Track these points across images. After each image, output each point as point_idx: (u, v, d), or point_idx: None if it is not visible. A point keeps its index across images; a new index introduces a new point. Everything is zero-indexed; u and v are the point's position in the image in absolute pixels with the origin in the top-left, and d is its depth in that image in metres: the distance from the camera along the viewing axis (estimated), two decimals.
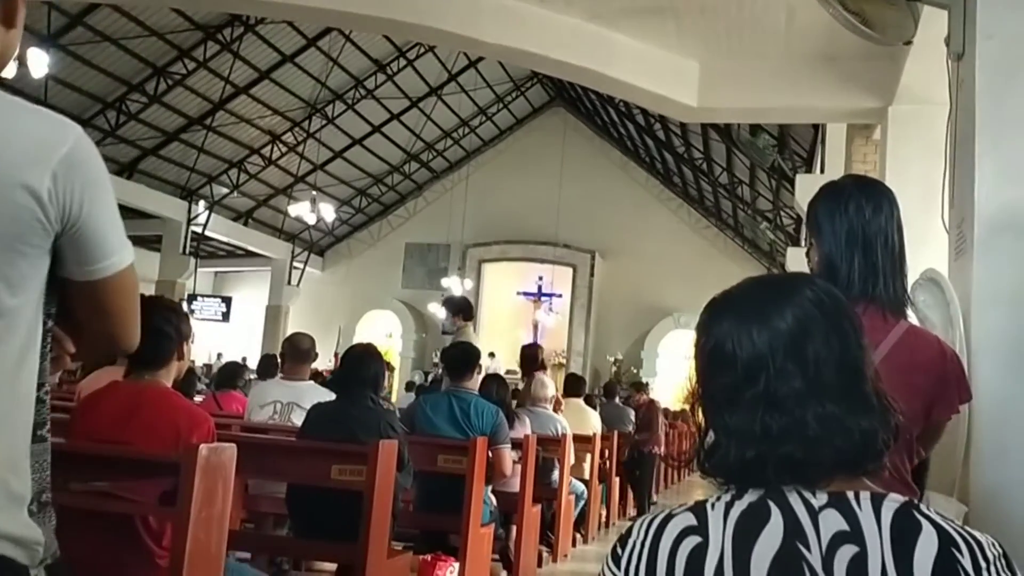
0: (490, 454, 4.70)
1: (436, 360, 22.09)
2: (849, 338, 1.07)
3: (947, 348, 1.96)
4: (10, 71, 11.53)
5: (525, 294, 22.82)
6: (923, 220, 5.99)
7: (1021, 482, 2.63)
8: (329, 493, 3.60)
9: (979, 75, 2.93)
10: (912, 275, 3.33)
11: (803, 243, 14.60)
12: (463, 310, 7.40)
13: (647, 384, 14.36)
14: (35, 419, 1.28)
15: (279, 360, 7.71)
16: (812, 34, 6.00)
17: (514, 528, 5.44)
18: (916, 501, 1.01)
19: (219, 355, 22.76)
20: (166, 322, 2.74)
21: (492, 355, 21.06)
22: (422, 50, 18.32)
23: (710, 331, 1.10)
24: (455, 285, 21.23)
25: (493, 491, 5.09)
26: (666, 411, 16.41)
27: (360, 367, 3.93)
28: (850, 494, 0.99)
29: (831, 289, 1.11)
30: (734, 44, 6.43)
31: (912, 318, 2.08)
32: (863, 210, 1.96)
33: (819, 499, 0.99)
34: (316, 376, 5.88)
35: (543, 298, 22.63)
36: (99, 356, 1.37)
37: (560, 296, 22.45)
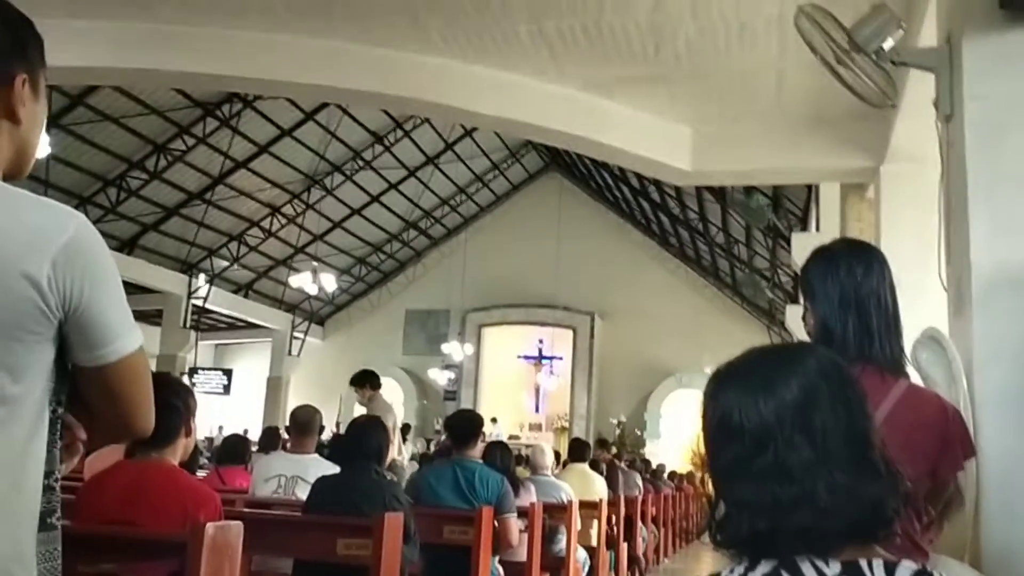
0: (496, 524, 4.65)
1: (438, 428, 21.98)
2: (855, 407, 1.08)
3: (948, 405, 1.97)
4: None
5: (526, 357, 22.78)
6: (920, 276, 6.01)
7: None
8: (336, 568, 3.56)
9: (968, 136, 2.98)
10: (912, 332, 3.37)
11: (800, 303, 14.64)
12: (368, 380, 7.54)
13: (610, 442, 14.13)
14: (44, 507, 1.27)
15: (283, 432, 7.70)
16: (802, 96, 6.11)
17: None
18: (929, 568, 1.01)
19: (220, 428, 22.63)
20: (175, 395, 2.75)
21: (494, 420, 20.99)
22: (419, 121, 18.58)
23: (716, 402, 1.12)
24: (455, 351, 21.19)
25: (500, 561, 5.03)
26: (672, 473, 16.33)
27: (363, 439, 3.92)
28: (863, 562, 1.00)
29: (835, 358, 1.13)
30: (726, 108, 6.53)
31: (912, 376, 2.10)
32: (855, 272, 1.99)
33: (832, 568, 1.00)
34: (318, 448, 5.85)
35: (544, 361, 22.58)
36: (113, 441, 1.37)
37: (561, 359, 22.39)
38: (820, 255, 2.10)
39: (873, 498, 1.03)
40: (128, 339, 1.32)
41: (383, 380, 24.66)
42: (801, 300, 2.16)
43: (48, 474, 1.28)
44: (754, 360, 1.14)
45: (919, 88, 4.16)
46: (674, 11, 5.30)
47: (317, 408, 5.31)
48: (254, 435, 15.84)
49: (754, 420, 1.06)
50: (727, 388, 1.11)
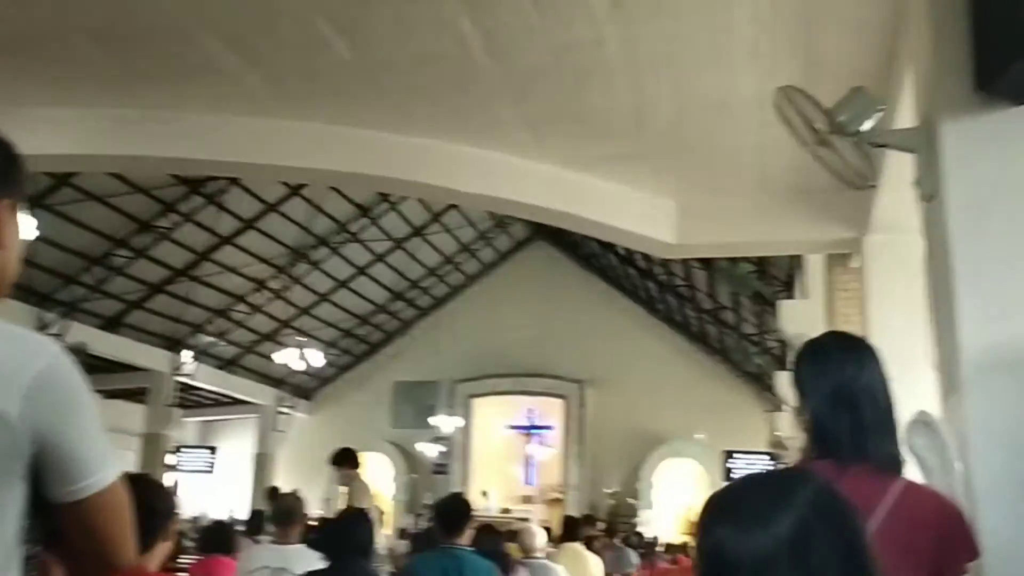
0: None
1: (427, 502, 21.66)
2: (853, 542, 1.04)
3: (948, 504, 1.91)
4: None
5: (516, 428, 22.55)
6: (910, 344, 6.00)
7: None
8: None
9: (952, 218, 2.97)
10: (904, 401, 3.32)
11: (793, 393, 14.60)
12: (347, 459, 7.46)
13: (597, 518, 13.68)
14: None
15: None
16: (784, 169, 6.16)
17: None
18: None
19: (203, 515, 22.25)
20: (156, 499, 2.66)
21: (485, 494, 20.70)
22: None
23: (710, 535, 1.07)
24: (444, 423, 20.99)
25: None
26: (667, 545, 16.05)
27: (350, 533, 3.82)
28: None
29: (831, 488, 1.08)
30: (709, 182, 6.59)
31: (909, 466, 2.04)
32: (846, 368, 1.95)
33: None
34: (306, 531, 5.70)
35: (534, 431, 22.36)
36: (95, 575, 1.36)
37: (552, 428, 22.18)
38: (811, 350, 2.06)
39: None
40: (104, 473, 1.29)
41: (372, 455, 24.46)
42: (795, 397, 2.11)
43: None
44: (746, 490, 1.10)
45: (900, 160, 4.18)
46: (654, 92, 5.37)
47: (298, 496, 5.21)
48: (240, 512, 15.56)
49: (748, 557, 1.02)
50: (720, 520, 1.07)
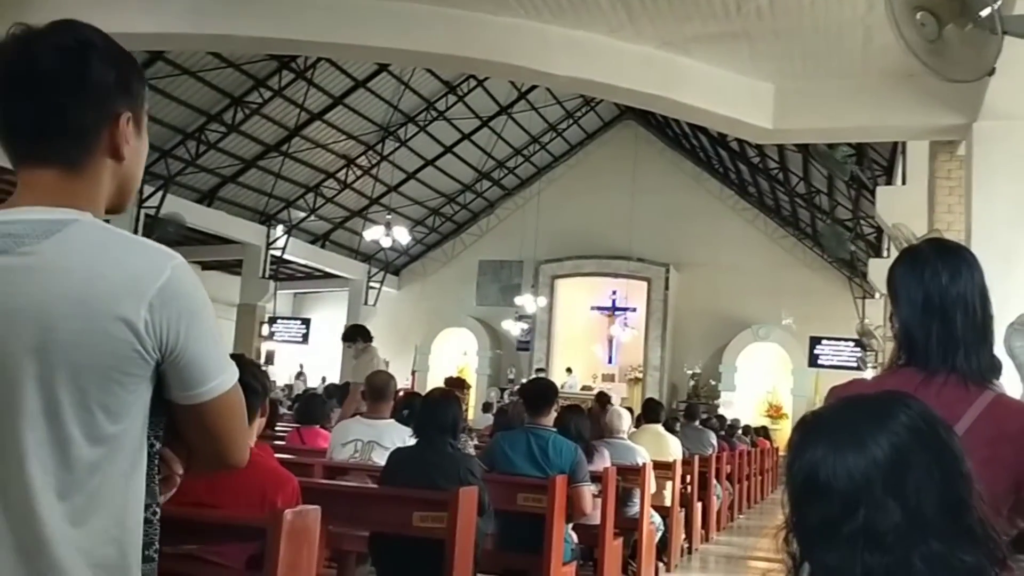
0: (569, 492, 4.67)
1: (511, 376, 22.14)
2: (951, 467, 1.02)
3: None
4: None
5: (599, 309, 22.68)
6: (1013, 238, 5.78)
7: None
8: (412, 540, 3.62)
9: None
10: (1008, 297, 3.22)
11: (887, 253, 14.25)
12: (359, 334, 7.69)
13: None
14: (144, 539, 1.31)
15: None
16: (890, 52, 5.82)
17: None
18: None
19: (300, 375, 23.20)
20: (253, 378, 2.79)
21: (569, 371, 21.06)
22: None
23: (803, 456, 1.07)
24: (528, 302, 21.22)
25: (573, 526, 5.06)
26: (747, 427, 16.20)
27: (438, 413, 3.95)
28: None
29: (928, 412, 1.06)
30: (809, 65, 6.31)
31: (999, 386, 1.98)
32: (939, 276, 1.88)
33: None
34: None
35: (617, 313, 22.46)
36: (208, 471, 1.49)
37: (635, 310, 22.23)
38: (906, 257, 2.00)
39: (970, 567, 0.97)
40: (223, 378, 1.35)
41: (457, 330, 25.00)
42: (879, 298, 2.06)
43: (147, 507, 1.32)
44: (842, 412, 1.09)
45: (1016, 47, 3.93)
46: None
47: (391, 374, 5.38)
48: (333, 380, 16.20)
49: (842, 480, 1.01)
50: (814, 442, 1.06)
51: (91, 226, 1.28)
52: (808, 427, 1.09)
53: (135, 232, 16.40)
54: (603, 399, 8.01)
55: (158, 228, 16.06)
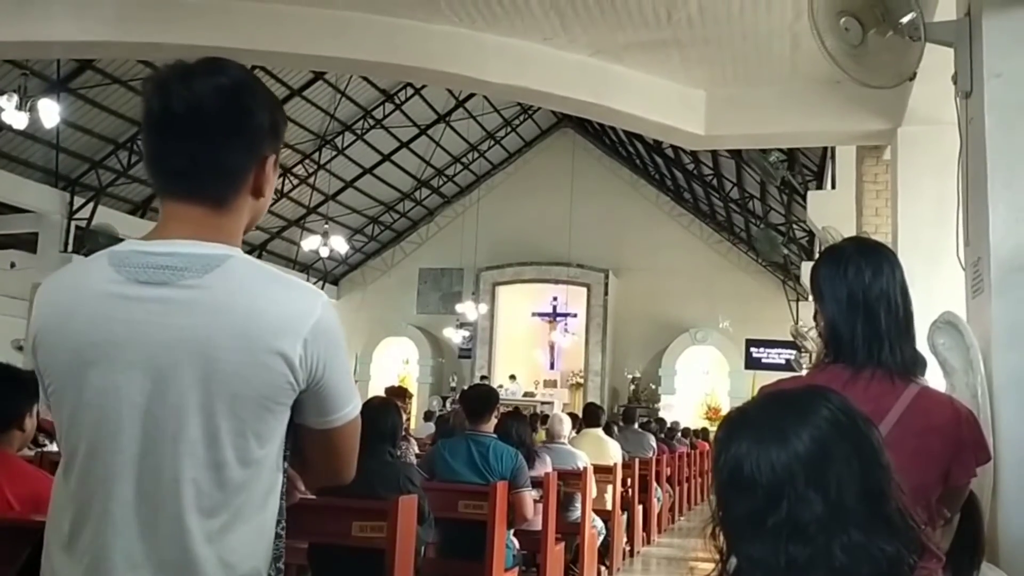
0: (511, 498, 4.68)
1: (453, 385, 22.09)
2: (870, 458, 1.05)
3: (961, 409, 1.92)
4: (22, 121, 11.70)
5: (540, 315, 22.78)
6: (937, 239, 5.93)
7: None
8: (352, 550, 3.59)
9: (988, 113, 2.91)
10: (932, 300, 3.32)
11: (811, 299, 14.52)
12: None
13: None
14: (273, 553, 1.39)
15: None
16: (817, 59, 5.89)
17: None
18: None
19: None
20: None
21: (513, 378, 21.09)
22: None
23: (728, 451, 1.09)
24: (469, 309, 21.22)
25: (515, 532, 5.07)
26: (686, 430, 16.39)
27: (377, 421, 3.92)
28: None
29: (847, 405, 1.09)
30: (740, 72, 6.42)
31: (929, 371, 2.05)
32: (863, 274, 1.94)
33: None
34: None
35: (558, 318, 22.59)
36: (318, 487, 1.64)
37: (575, 316, 22.38)
38: (829, 255, 2.05)
39: (889, 556, 1.00)
40: (353, 405, 1.46)
41: (398, 339, 24.70)
42: (811, 300, 2.11)
43: (277, 522, 1.40)
44: (766, 408, 1.11)
45: (937, 53, 4.05)
46: None
47: None
48: None
49: (766, 474, 1.04)
50: (739, 437, 1.08)
51: (247, 263, 1.36)
52: (733, 423, 1.11)
53: (64, 245, 15.95)
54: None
55: (89, 241, 15.69)
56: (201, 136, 1.35)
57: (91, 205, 16.15)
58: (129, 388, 1.28)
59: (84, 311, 1.31)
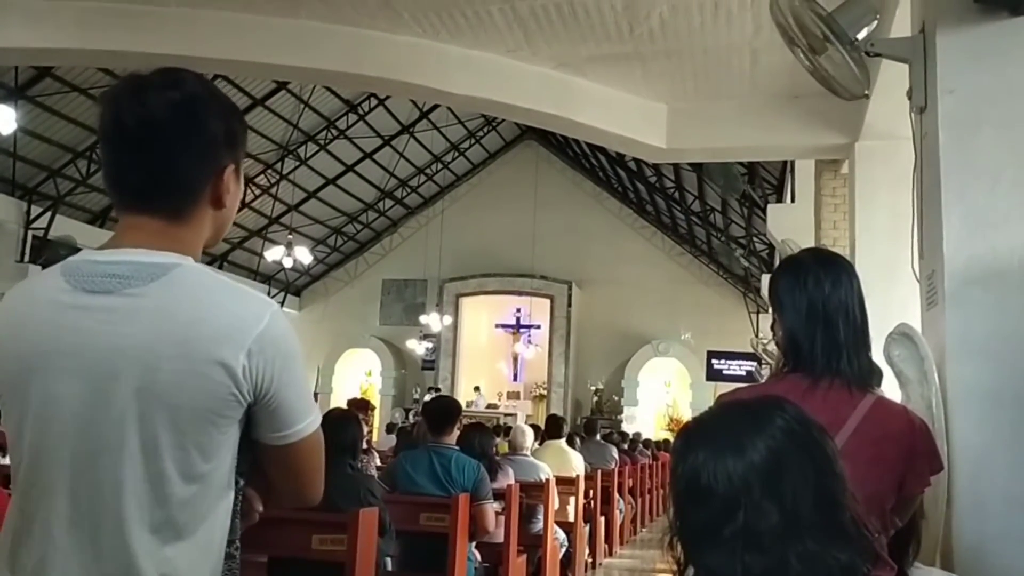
0: (472, 510, 4.66)
1: (416, 397, 21.99)
2: (824, 467, 1.07)
3: (915, 419, 1.95)
4: None
5: (504, 327, 22.79)
6: (893, 252, 6.03)
7: (1002, 536, 2.63)
8: (312, 563, 3.55)
9: (942, 129, 2.96)
10: (889, 310, 3.37)
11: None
12: None
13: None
14: (226, 574, 1.35)
15: None
16: (776, 74, 6.08)
17: None
18: None
19: None
20: None
21: (477, 389, 21.04)
22: None
23: (685, 461, 1.10)
24: (433, 321, 21.17)
25: (477, 545, 5.04)
26: (647, 441, 16.45)
27: (337, 433, 3.89)
28: None
29: (802, 415, 1.11)
30: (700, 86, 6.49)
31: (885, 382, 2.08)
32: (822, 284, 1.96)
33: None
34: None
35: (521, 330, 22.61)
36: (284, 506, 1.58)
37: (539, 327, 22.42)
38: (788, 266, 2.07)
39: (844, 564, 1.01)
40: (308, 421, 1.39)
41: (361, 351, 24.56)
42: (770, 311, 2.13)
43: (229, 542, 1.36)
44: (722, 418, 1.12)
45: (894, 69, 4.13)
46: None
47: None
48: None
49: (723, 483, 1.05)
50: (696, 447, 1.09)
51: (195, 271, 1.32)
52: (690, 433, 1.12)
53: (21, 255, 15.65)
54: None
55: (47, 251, 15.43)
56: (153, 149, 1.34)
57: (49, 214, 15.88)
58: (70, 398, 1.25)
59: (33, 321, 1.29)
